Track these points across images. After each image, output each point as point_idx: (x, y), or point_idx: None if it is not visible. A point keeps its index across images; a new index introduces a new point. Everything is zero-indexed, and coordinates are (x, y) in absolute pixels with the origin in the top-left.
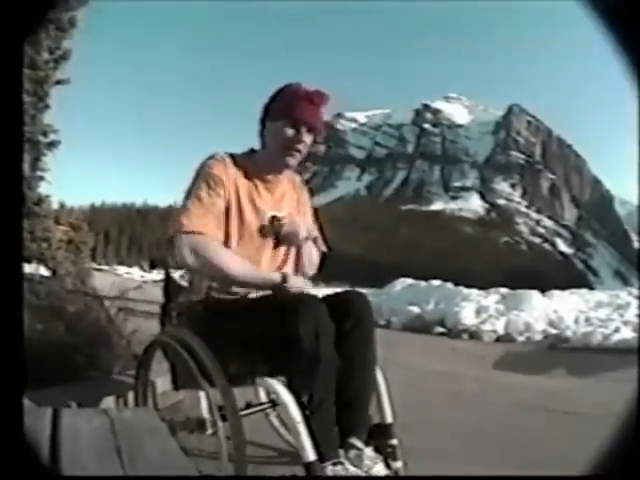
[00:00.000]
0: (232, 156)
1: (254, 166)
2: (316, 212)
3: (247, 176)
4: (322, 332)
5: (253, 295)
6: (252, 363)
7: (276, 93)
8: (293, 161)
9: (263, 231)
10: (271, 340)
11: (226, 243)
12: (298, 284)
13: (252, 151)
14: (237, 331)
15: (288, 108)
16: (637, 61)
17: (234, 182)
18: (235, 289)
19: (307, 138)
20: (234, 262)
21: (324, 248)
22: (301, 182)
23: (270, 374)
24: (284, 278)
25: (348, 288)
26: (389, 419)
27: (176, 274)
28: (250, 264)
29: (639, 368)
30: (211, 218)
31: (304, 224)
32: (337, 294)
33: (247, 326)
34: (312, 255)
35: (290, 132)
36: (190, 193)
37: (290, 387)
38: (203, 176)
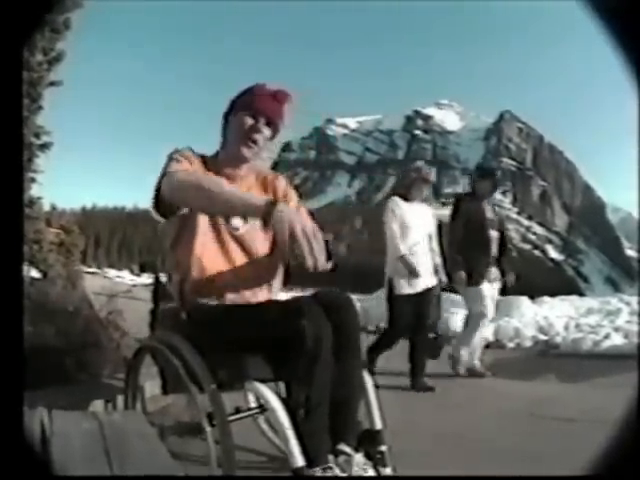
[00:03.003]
0: (193, 152)
1: (216, 165)
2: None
3: (208, 172)
4: (322, 334)
5: (240, 301)
6: (242, 368)
7: (243, 90)
8: (248, 152)
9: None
10: (270, 342)
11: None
12: (292, 216)
13: (216, 154)
14: (228, 336)
15: (250, 101)
16: (637, 61)
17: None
18: (210, 291)
19: (265, 130)
20: (217, 180)
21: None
22: (275, 178)
23: (264, 378)
24: (270, 204)
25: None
26: (378, 425)
27: (165, 279)
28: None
29: (639, 372)
30: (189, 165)
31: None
32: (323, 298)
33: (241, 330)
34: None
35: (248, 121)
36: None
37: (287, 390)
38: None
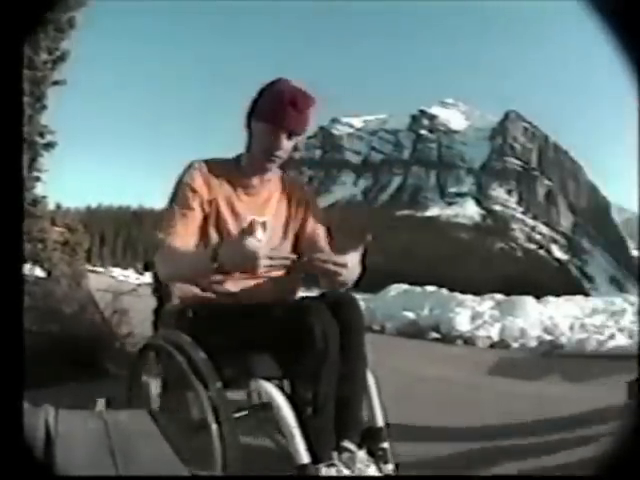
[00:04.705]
0: (211, 162)
1: (236, 171)
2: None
3: (227, 182)
4: (330, 334)
5: (247, 301)
6: (248, 366)
7: (263, 89)
8: (272, 166)
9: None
10: (277, 341)
11: None
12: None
13: (239, 157)
14: (235, 334)
15: (271, 112)
16: (637, 60)
17: (211, 190)
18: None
19: (287, 144)
20: (171, 258)
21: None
22: (292, 180)
23: (270, 376)
24: (214, 253)
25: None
26: (380, 422)
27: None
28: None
29: (639, 373)
30: (180, 225)
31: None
32: (328, 297)
33: (248, 329)
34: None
35: (270, 138)
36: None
37: (293, 388)
38: (177, 188)
